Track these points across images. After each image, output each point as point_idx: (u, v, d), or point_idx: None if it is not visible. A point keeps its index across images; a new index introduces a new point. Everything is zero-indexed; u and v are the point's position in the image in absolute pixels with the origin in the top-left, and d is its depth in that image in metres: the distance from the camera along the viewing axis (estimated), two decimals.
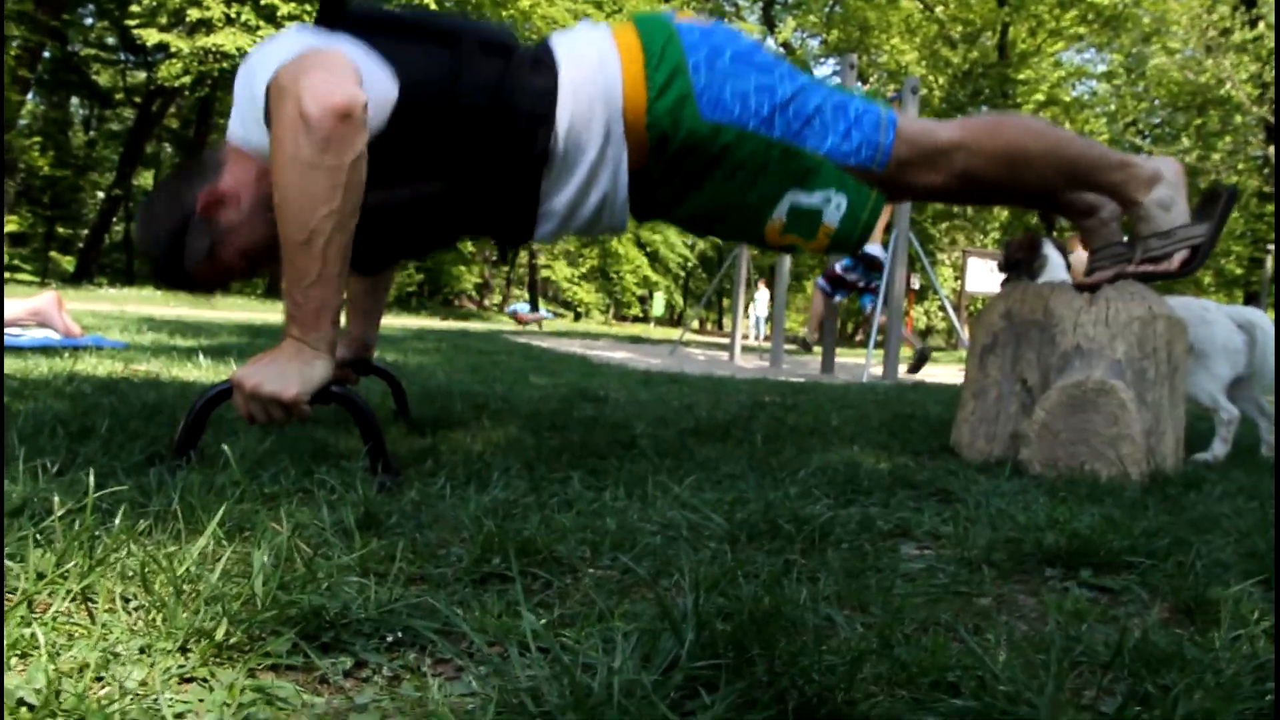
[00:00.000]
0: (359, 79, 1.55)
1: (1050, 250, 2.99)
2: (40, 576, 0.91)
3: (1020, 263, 2.96)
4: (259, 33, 16.97)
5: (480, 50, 1.76)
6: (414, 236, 1.92)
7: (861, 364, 7.22)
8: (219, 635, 0.82)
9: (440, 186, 1.78)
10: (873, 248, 7.43)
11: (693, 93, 1.80)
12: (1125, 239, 2.25)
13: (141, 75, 26.68)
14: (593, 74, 1.79)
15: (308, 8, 17.12)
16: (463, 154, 1.76)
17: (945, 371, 9.19)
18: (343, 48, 1.62)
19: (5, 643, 0.77)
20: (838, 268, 7.56)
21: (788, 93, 1.87)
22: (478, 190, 1.81)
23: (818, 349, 7.67)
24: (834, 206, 1.92)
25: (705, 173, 1.87)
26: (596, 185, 1.86)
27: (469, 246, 27.24)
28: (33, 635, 0.79)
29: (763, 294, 20.01)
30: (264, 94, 1.57)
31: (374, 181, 1.62)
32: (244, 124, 1.71)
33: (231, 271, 1.79)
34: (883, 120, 1.94)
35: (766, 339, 10.81)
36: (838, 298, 7.79)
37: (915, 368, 7.40)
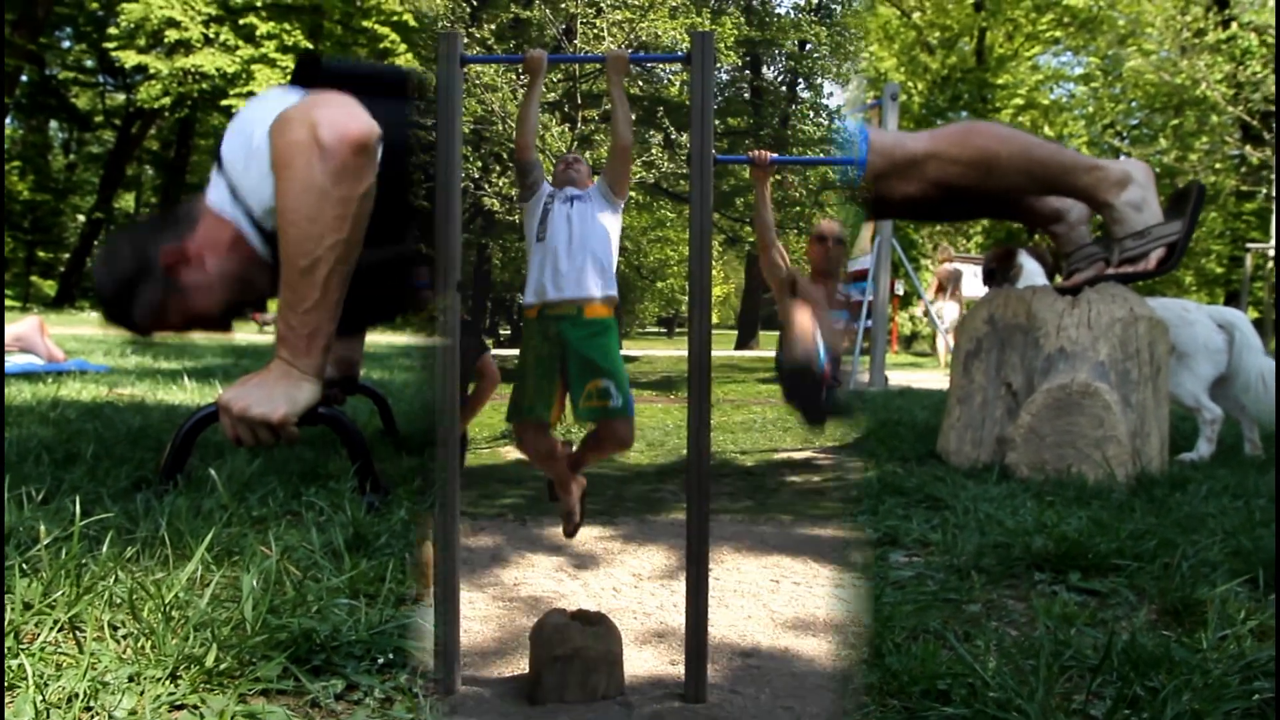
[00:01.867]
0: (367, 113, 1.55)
1: (1025, 259, 3.07)
2: (27, 607, 0.91)
3: (995, 272, 3.03)
4: (237, 53, 16.93)
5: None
6: (387, 300, 1.90)
7: (847, 371, 7.23)
8: (209, 661, 0.81)
9: (416, 250, 1.77)
10: (867, 259, 7.45)
11: None
12: (1097, 238, 2.28)
13: (121, 97, 26.56)
14: None
15: (286, 27, 17.10)
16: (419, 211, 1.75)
17: (931, 377, 9.22)
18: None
19: None
20: (855, 295, 7.54)
21: None
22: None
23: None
24: None
25: None
26: None
27: None
28: (20, 666, 0.78)
29: None
30: (266, 140, 1.54)
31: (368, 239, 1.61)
32: (223, 190, 1.68)
33: (174, 326, 1.78)
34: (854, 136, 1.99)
35: None
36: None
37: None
